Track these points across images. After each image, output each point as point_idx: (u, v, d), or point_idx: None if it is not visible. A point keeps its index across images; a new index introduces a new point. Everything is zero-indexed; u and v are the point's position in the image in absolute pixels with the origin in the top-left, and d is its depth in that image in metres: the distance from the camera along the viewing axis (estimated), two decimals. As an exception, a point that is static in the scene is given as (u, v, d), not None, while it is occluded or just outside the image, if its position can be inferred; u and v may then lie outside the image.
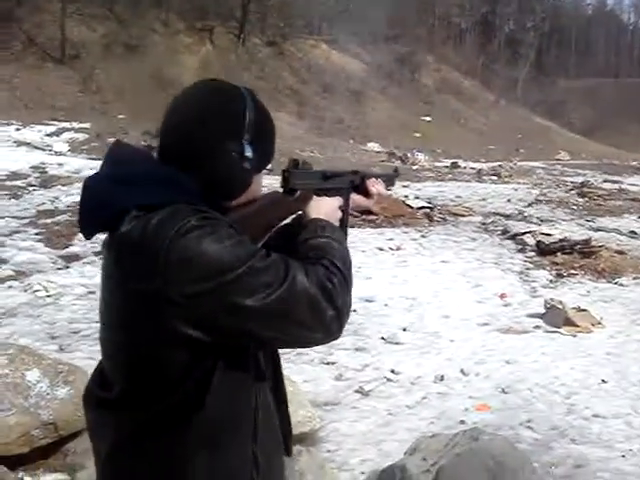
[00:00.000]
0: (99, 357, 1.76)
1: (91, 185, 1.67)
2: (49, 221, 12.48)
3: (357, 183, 2.10)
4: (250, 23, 53.13)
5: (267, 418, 1.75)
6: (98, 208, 1.64)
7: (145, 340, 1.59)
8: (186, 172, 1.65)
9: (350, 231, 2.14)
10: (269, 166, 1.83)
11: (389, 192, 2.29)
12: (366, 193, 2.12)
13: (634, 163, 42.07)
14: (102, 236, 1.71)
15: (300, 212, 1.90)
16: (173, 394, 1.60)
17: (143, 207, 1.58)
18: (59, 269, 10.00)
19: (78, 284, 9.12)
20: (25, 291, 8.77)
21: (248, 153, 1.69)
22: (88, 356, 6.41)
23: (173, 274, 1.51)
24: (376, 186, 2.14)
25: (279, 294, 1.54)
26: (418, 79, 67.58)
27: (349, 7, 60.33)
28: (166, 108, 1.73)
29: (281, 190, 1.86)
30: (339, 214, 1.95)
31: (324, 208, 1.88)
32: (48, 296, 8.63)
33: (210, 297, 1.51)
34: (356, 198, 2.10)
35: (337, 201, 1.96)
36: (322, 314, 1.59)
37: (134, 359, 1.62)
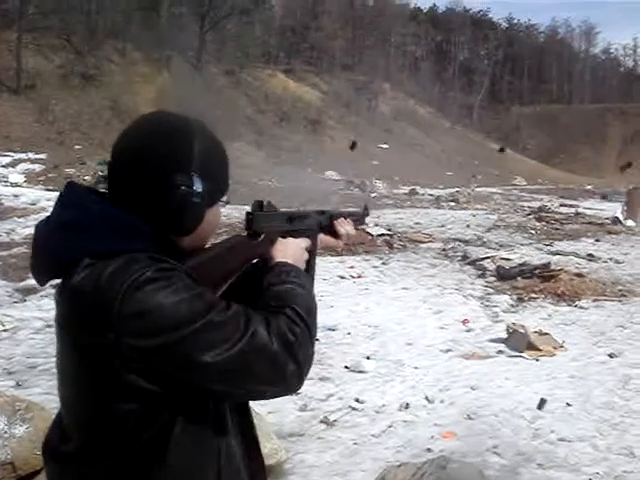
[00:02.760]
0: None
1: (41, 231, 1.60)
2: (5, 253, 12.28)
3: (325, 223, 2.05)
4: (207, 52, 53.30)
5: (232, 467, 1.68)
6: (49, 256, 1.57)
7: (99, 392, 1.52)
8: (137, 210, 1.58)
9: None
10: (224, 198, 1.75)
11: (358, 231, 2.24)
12: (334, 233, 2.07)
13: (589, 187, 42.85)
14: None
15: (265, 255, 1.82)
16: (131, 448, 1.53)
17: (96, 255, 1.51)
18: (15, 302, 9.81)
19: (35, 317, 8.93)
20: (-20, 326, 8.57)
21: (197, 186, 1.59)
22: (46, 392, 6.26)
23: (127, 328, 1.44)
24: (345, 226, 2.09)
25: (238, 349, 1.48)
26: (375, 107, 68.23)
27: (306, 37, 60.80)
28: (112, 145, 1.65)
29: (245, 233, 1.80)
30: (306, 256, 1.89)
31: (290, 250, 1.82)
32: (4, 330, 8.44)
33: (165, 352, 1.45)
34: (324, 239, 2.05)
35: (304, 242, 1.90)
36: (282, 369, 1.53)
37: (90, 411, 1.55)
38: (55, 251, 1.55)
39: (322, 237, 2.04)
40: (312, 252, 1.95)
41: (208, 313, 1.47)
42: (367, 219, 2.36)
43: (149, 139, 1.61)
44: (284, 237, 1.85)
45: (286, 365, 1.53)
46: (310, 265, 1.93)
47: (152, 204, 1.58)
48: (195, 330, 1.45)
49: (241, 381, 1.51)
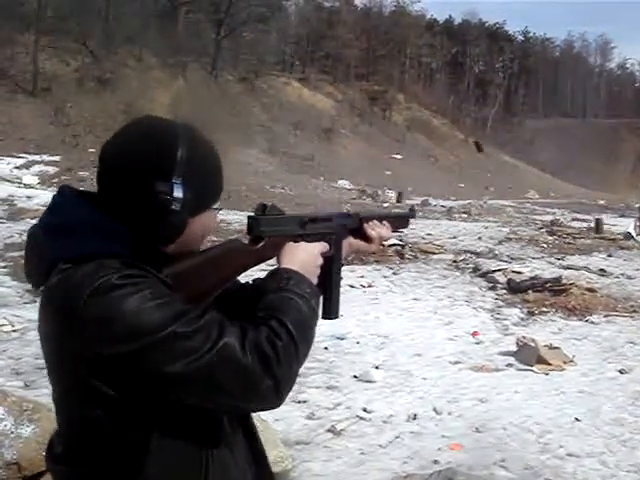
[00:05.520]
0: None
1: (29, 235, 1.61)
2: (17, 254, 12.30)
3: (353, 226, 1.92)
4: (223, 59, 53.53)
5: (225, 477, 1.63)
6: (34, 260, 1.58)
7: (71, 396, 1.52)
8: (119, 215, 1.54)
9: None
10: (216, 205, 1.67)
11: (395, 234, 2.13)
12: (365, 237, 1.95)
13: (602, 202, 42.70)
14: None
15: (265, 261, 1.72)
16: (105, 456, 1.52)
17: (70, 260, 1.49)
18: (26, 303, 9.82)
19: (45, 319, 8.93)
20: (-10, 325, 8.58)
21: (177, 194, 1.52)
22: (54, 393, 6.25)
23: (89, 333, 1.42)
24: (376, 229, 1.96)
25: (205, 361, 1.42)
26: (389, 117, 68.38)
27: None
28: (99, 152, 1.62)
29: (247, 239, 1.70)
30: (319, 261, 1.75)
31: (299, 256, 1.70)
32: (14, 331, 8.45)
33: (127, 360, 1.41)
34: (354, 242, 1.93)
35: (318, 247, 1.76)
36: (256, 385, 1.45)
37: (65, 414, 1.57)
38: (38, 255, 1.56)
39: (352, 241, 1.93)
40: (332, 257, 1.82)
41: (174, 323, 1.42)
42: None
43: (132, 144, 1.57)
44: (297, 242, 1.73)
45: (260, 380, 1.45)
46: (330, 270, 1.82)
47: (132, 210, 1.53)
48: (158, 340, 1.40)
49: (210, 394, 1.46)
